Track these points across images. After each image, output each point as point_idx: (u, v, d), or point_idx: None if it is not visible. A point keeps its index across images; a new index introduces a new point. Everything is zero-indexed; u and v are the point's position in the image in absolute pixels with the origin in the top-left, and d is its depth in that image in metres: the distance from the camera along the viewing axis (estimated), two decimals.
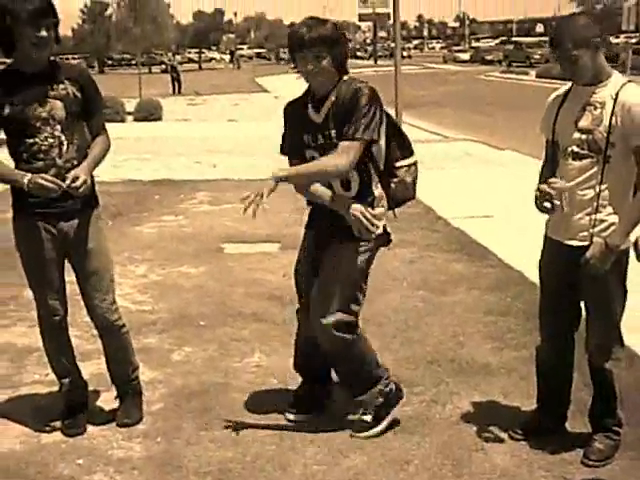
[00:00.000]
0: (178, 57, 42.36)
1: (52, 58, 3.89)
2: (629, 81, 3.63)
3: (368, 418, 4.10)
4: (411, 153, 4.05)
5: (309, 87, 3.92)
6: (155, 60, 67.91)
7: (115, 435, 4.16)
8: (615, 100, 3.53)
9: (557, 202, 3.58)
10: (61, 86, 3.83)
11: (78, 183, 3.69)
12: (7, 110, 3.74)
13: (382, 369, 4.16)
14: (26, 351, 5.27)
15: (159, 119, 23.98)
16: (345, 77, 3.86)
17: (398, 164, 3.99)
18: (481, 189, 10.89)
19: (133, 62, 76.53)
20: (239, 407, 4.45)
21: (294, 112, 4.01)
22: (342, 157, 3.72)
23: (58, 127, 3.79)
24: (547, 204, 3.62)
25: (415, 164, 4.07)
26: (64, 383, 4.27)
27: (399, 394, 4.22)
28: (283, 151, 4.06)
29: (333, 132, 3.81)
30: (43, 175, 3.68)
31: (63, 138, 3.82)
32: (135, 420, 4.27)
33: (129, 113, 24.21)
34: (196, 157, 15.14)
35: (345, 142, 3.74)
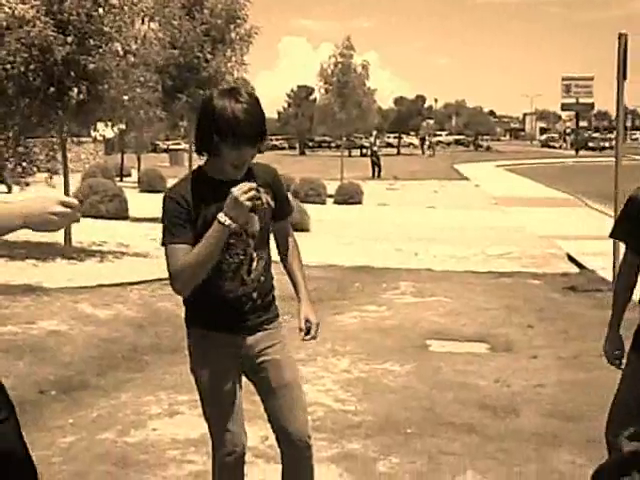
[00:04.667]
0: (378, 141, 42.86)
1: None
2: None
3: None
4: None
5: None
6: (354, 143, 69.26)
7: None
8: None
9: None
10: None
11: (315, 332, 3.48)
12: (200, 222, 3.19)
13: None
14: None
15: (359, 202, 24.14)
16: None
17: None
18: None
19: (332, 144, 78.68)
20: None
21: None
22: None
23: (251, 242, 3.30)
24: None
25: None
26: None
27: None
28: None
29: None
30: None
31: (254, 255, 3.32)
32: None
33: (330, 195, 24.55)
34: (396, 244, 14.92)
35: None
